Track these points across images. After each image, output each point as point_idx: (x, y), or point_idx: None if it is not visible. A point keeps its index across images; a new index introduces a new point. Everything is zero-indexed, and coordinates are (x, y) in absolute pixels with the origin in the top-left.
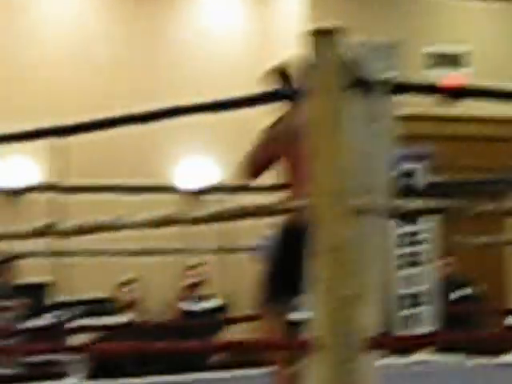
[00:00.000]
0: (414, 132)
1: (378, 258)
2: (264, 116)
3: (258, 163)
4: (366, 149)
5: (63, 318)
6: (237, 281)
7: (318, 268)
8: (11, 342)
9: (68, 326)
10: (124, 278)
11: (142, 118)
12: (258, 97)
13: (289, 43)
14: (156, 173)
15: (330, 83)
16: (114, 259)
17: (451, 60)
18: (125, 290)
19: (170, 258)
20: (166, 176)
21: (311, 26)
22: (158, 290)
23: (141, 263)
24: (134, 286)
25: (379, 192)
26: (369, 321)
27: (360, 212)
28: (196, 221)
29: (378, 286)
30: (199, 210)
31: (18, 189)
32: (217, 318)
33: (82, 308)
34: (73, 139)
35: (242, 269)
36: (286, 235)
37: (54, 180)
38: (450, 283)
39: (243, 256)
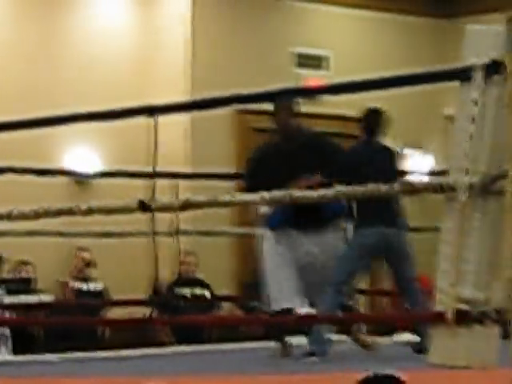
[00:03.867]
0: None
1: None
2: None
3: None
4: None
5: None
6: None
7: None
8: None
9: None
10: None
11: (36, 124)
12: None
13: (171, 44)
14: (46, 157)
15: None
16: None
17: (313, 62)
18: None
19: (60, 240)
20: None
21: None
22: (49, 270)
23: (32, 244)
24: (29, 266)
25: None
26: None
27: None
28: None
29: None
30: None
31: None
32: (102, 299)
33: None
34: None
35: (123, 254)
36: None
37: None
38: None
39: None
